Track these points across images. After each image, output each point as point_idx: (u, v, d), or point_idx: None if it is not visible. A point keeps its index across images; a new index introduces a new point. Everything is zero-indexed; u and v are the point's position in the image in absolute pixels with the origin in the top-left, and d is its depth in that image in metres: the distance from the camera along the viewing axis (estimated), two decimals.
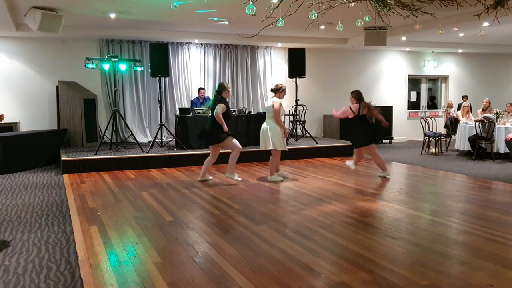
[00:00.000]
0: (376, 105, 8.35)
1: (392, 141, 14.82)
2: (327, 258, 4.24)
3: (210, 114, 7.87)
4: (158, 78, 11.01)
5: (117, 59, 10.27)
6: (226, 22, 10.29)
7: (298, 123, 12.35)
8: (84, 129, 11.07)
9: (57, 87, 11.40)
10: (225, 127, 7.59)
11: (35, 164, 9.85)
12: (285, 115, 12.29)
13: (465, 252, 4.38)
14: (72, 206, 6.31)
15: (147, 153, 9.76)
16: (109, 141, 10.55)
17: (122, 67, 10.34)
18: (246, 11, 5.76)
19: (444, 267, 3.95)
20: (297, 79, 12.19)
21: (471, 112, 12.44)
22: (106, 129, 10.60)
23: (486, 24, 9.24)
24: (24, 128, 11.44)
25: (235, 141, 7.87)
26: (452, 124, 12.71)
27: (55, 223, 5.56)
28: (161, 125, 10.75)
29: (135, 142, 10.80)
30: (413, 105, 16.20)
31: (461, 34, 11.74)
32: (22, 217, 5.82)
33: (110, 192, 7.26)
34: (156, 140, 10.78)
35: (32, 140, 9.89)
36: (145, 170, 9.32)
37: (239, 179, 7.96)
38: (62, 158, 9.20)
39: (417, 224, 5.38)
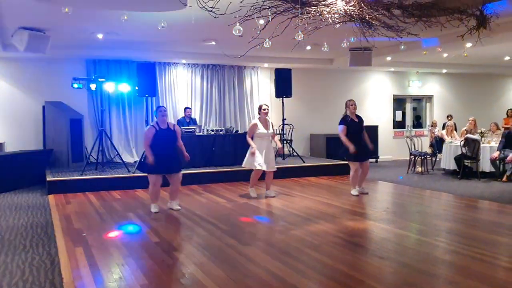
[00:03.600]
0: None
1: (378, 160, 14.90)
2: (315, 278, 4.21)
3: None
4: (145, 98, 10.99)
5: (104, 80, 10.24)
6: (213, 43, 10.35)
7: (285, 142, 12.39)
8: (70, 149, 10.94)
9: (43, 107, 11.31)
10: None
11: (20, 184, 9.71)
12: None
13: (453, 271, 4.39)
14: (57, 227, 6.22)
15: (133, 173, 9.70)
16: (95, 161, 10.46)
17: (109, 87, 10.31)
18: (233, 32, 5.82)
19: (432, 287, 3.95)
20: (284, 98, 12.27)
21: (456, 131, 12.58)
22: (92, 149, 10.51)
23: (469, 45, 9.41)
24: (10, 148, 11.27)
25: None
26: (437, 143, 12.82)
27: (39, 244, 5.47)
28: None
29: (121, 162, 10.73)
30: (398, 125, 16.35)
31: (445, 55, 11.93)
32: (5, 239, 5.72)
33: (95, 213, 7.18)
34: (142, 160, 10.68)
35: (17, 160, 9.78)
36: (131, 190, 9.24)
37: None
38: (48, 179, 9.10)
39: (404, 243, 5.39)
